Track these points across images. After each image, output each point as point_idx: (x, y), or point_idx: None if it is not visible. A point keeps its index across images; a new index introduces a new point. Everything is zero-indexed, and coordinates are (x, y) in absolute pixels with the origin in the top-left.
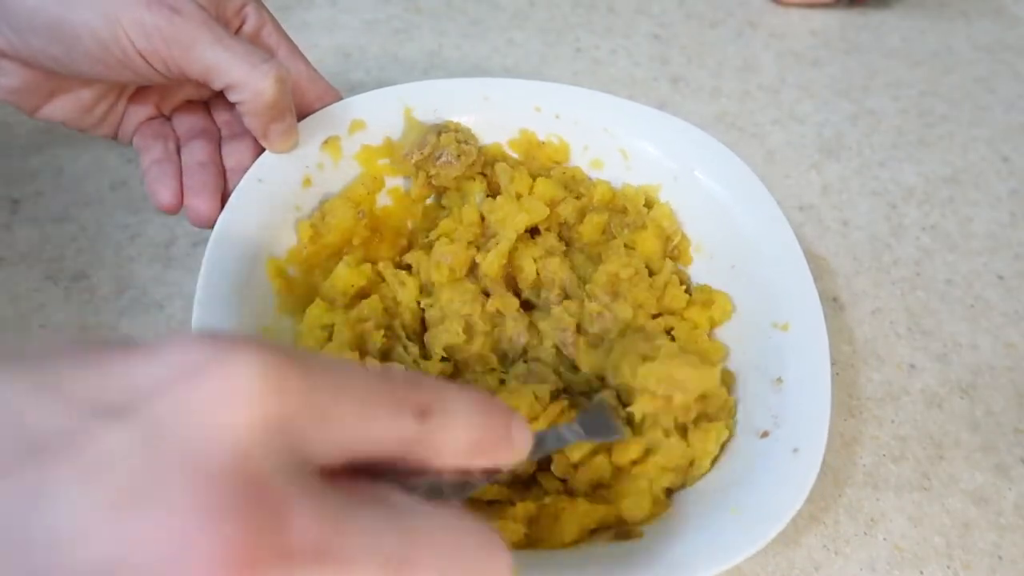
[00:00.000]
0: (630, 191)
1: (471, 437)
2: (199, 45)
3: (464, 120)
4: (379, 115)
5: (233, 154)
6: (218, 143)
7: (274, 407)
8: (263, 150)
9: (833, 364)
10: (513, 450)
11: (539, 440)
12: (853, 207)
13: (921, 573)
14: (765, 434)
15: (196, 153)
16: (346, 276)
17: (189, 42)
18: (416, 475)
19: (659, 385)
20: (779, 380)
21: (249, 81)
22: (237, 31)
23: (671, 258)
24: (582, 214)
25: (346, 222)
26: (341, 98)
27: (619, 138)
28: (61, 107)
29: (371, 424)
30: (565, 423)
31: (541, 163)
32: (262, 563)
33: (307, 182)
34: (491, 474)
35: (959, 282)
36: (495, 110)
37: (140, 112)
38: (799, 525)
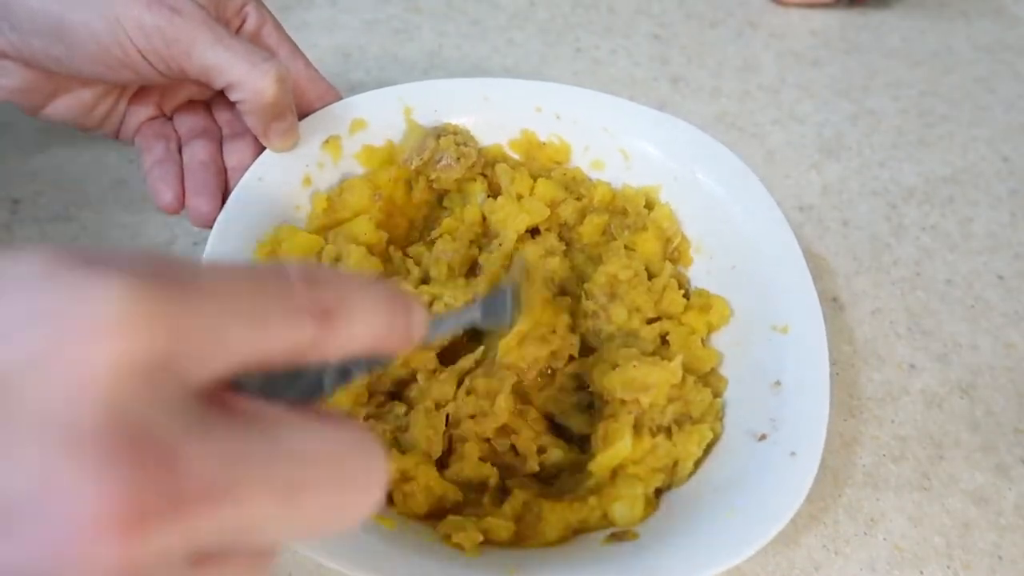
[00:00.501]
0: (630, 192)
1: (373, 334)
2: (199, 45)
3: (464, 120)
4: (380, 115)
5: (234, 153)
6: (219, 142)
7: (141, 344)
8: (264, 149)
9: (833, 364)
10: (409, 341)
11: (434, 325)
12: (853, 207)
13: (921, 573)
14: (763, 437)
15: (197, 153)
16: (362, 203)
17: (189, 42)
18: (298, 367)
19: (624, 391)
20: (777, 383)
21: (249, 80)
22: (237, 31)
23: (671, 260)
24: (582, 215)
25: (362, 201)
26: (341, 98)
27: (619, 138)
28: (63, 107)
29: (264, 336)
30: (464, 306)
31: (542, 163)
32: (154, 516)
33: (307, 181)
34: (377, 362)
35: (959, 282)
36: (495, 110)
37: (141, 112)
38: (799, 525)
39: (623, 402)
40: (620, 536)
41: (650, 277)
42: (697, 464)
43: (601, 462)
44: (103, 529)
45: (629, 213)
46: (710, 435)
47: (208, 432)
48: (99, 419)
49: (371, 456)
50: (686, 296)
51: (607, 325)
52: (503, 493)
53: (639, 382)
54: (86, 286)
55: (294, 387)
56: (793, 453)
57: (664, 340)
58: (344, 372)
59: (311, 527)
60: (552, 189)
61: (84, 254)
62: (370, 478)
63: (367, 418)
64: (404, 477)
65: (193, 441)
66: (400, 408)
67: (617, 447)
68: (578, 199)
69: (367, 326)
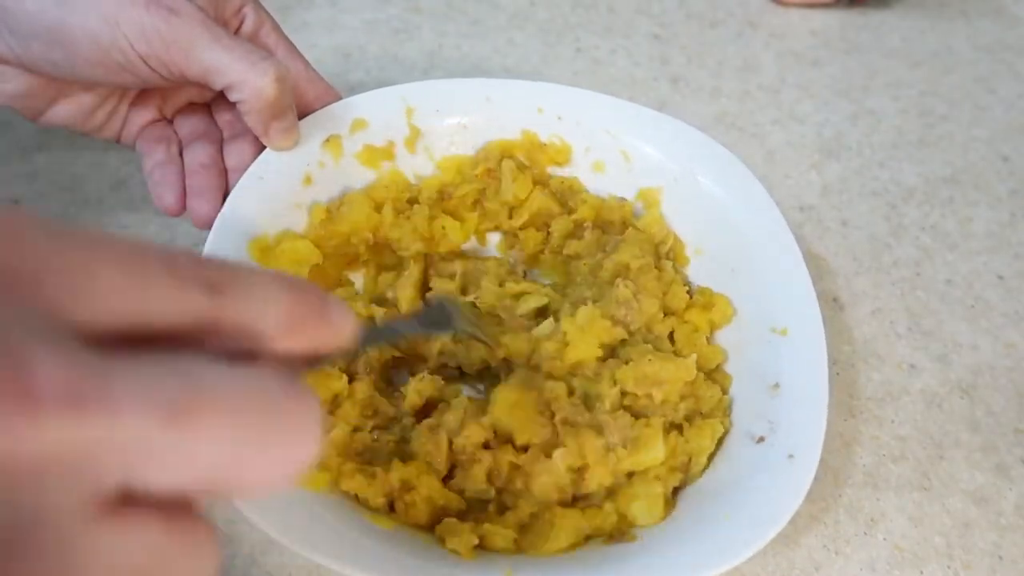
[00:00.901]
0: (613, 203)
1: (280, 312)
2: (198, 46)
3: (466, 120)
4: (381, 114)
5: (234, 154)
6: (220, 144)
7: (12, 254)
8: (265, 149)
9: (833, 364)
10: (334, 332)
11: (374, 331)
12: (853, 207)
13: (921, 573)
14: (761, 439)
15: (198, 155)
16: (361, 218)
17: (188, 43)
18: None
19: (637, 385)
20: (776, 386)
21: (248, 79)
22: (236, 32)
23: (666, 260)
24: (573, 231)
25: (361, 217)
26: (340, 98)
27: (621, 140)
28: (64, 112)
29: (145, 295)
30: (404, 316)
31: (542, 167)
32: (12, 411)
33: (308, 180)
34: (315, 362)
35: (959, 282)
36: (497, 110)
37: (142, 115)
38: (799, 525)
39: (635, 396)
40: (619, 537)
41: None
42: (710, 458)
43: (625, 467)
44: None
45: (614, 225)
46: (721, 429)
47: (78, 351)
48: None
49: (296, 398)
50: (689, 294)
51: (639, 316)
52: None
53: (652, 377)
54: None
55: None
56: (791, 456)
57: (670, 337)
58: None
59: (222, 464)
60: (546, 202)
61: None
62: (299, 421)
63: (373, 429)
64: (405, 486)
65: (53, 350)
66: (408, 419)
67: (651, 453)
68: (570, 213)
69: (268, 301)
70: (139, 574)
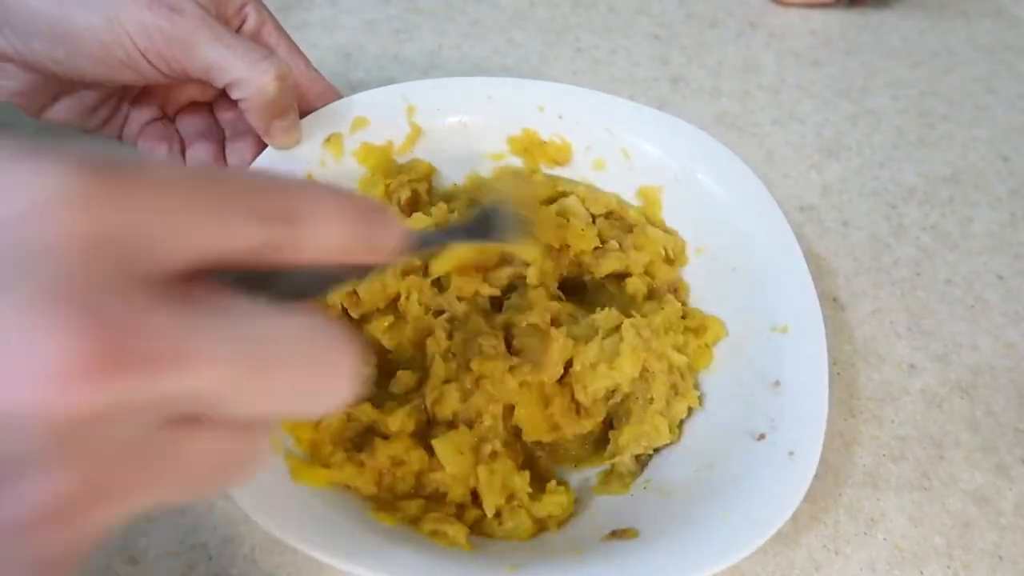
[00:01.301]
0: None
1: (339, 241)
2: (200, 43)
3: (467, 119)
4: (382, 113)
5: (236, 153)
6: (222, 143)
7: (88, 221)
8: (266, 148)
9: (833, 364)
10: (383, 251)
11: (420, 238)
12: (853, 207)
13: (921, 573)
14: (761, 437)
15: (200, 154)
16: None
17: (190, 41)
18: (272, 270)
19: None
20: (777, 384)
21: (250, 77)
22: (238, 30)
23: (667, 262)
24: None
25: None
26: (341, 97)
27: (621, 139)
28: (65, 109)
29: (219, 232)
30: (452, 223)
31: (545, 164)
32: (116, 369)
33: (309, 178)
34: (356, 272)
35: (959, 282)
36: (498, 109)
37: (144, 114)
38: (799, 525)
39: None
40: (620, 534)
41: (650, 294)
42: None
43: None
44: (59, 379)
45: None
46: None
47: (166, 305)
48: (58, 282)
49: (337, 341)
50: (682, 316)
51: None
52: None
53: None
54: (37, 169)
55: (269, 290)
56: (791, 453)
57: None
58: (324, 279)
59: (282, 403)
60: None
61: (34, 145)
62: (338, 361)
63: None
64: (395, 461)
65: (150, 309)
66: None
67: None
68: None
69: (332, 231)
70: (206, 471)
